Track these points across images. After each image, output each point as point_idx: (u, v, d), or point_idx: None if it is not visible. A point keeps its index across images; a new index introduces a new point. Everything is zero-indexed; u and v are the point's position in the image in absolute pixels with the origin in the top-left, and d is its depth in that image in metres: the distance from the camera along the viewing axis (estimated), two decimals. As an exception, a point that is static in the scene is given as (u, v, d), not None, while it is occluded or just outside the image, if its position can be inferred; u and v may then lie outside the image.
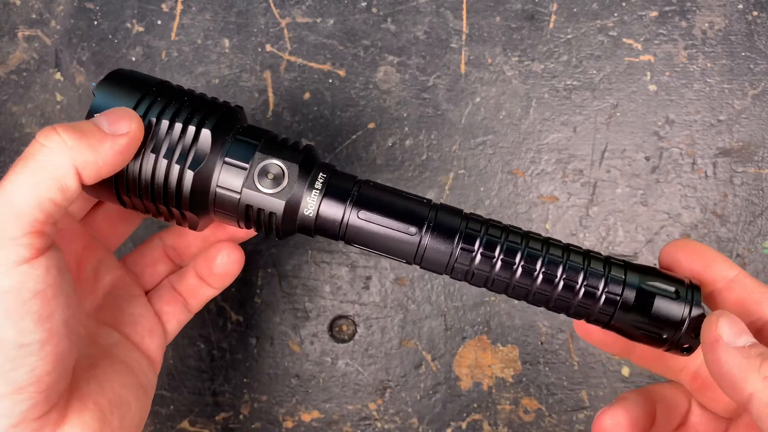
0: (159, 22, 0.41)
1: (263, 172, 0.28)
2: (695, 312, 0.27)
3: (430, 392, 0.42)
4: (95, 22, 0.41)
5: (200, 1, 0.41)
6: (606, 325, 0.28)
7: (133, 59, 0.41)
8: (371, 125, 0.41)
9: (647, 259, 0.41)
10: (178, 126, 0.27)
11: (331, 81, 0.41)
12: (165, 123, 0.27)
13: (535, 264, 0.27)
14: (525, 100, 0.41)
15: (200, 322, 0.42)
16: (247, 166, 0.28)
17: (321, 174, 0.29)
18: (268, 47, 0.41)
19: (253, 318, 0.42)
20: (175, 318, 0.34)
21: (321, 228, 0.29)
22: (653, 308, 0.27)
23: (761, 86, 0.41)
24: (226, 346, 0.42)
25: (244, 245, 0.41)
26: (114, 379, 0.29)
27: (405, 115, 0.41)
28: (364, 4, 0.41)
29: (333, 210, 0.28)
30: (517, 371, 0.41)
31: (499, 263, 0.28)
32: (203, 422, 0.42)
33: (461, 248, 0.28)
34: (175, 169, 0.27)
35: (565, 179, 0.41)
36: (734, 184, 0.41)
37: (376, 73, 0.41)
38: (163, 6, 0.41)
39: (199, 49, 0.41)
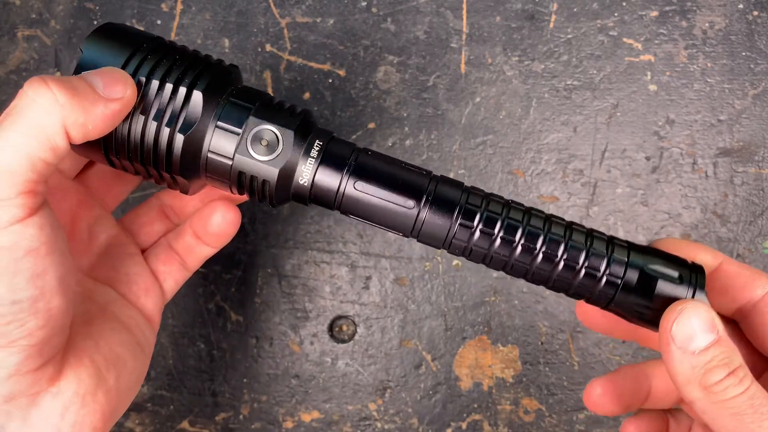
0: (159, 22, 0.41)
1: (257, 138, 0.27)
2: (698, 296, 0.26)
3: (430, 392, 0.42)
4: (95, 22, 0.41)
5: (200, 0, 0.41)
6: (606, 306, 0.28)
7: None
8: (371, 125, 0.41)
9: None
10: (169, 87, 0.26)
11: (331, 81, 0.41)
12: (155, 83, 0.26)
13: (536, 242, 0.27)
14: (525, 100, 0.41)
15: (200, 322, 0.42)
16: (239, 131, 0.27)
17: (318, 141, 0.27)
18: (268, 47, 0.41)
19: (253, 318, 0.42)
20: (172, 277, 0.33)
21: (316, 197, 0.28)
22: (655, 291, 0.27)
23: (762, 86, 0.40)
24: (226, 346, 0.42)
25: (244, 246, 0.41)
26: (110, 337, 0.28)
27: (405, 115, 0.41)
28: (364, 4, 0.41)
29: (329, 179, 0.27)
30: (517, 371, 0.41)
31: (498, 240, 0.27)
32: (203, 422, 0.42)
33: (460, 224, 0.27)
34: (165, 132, 0.26)
35: (565, 179, 0.41)
36: (735, 184, 0.41)
37: (376, 73, 0.41)
38: (163, 6, 0.41)
39: (199, 49, 0.41)
